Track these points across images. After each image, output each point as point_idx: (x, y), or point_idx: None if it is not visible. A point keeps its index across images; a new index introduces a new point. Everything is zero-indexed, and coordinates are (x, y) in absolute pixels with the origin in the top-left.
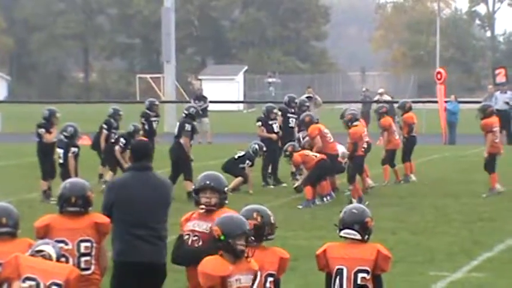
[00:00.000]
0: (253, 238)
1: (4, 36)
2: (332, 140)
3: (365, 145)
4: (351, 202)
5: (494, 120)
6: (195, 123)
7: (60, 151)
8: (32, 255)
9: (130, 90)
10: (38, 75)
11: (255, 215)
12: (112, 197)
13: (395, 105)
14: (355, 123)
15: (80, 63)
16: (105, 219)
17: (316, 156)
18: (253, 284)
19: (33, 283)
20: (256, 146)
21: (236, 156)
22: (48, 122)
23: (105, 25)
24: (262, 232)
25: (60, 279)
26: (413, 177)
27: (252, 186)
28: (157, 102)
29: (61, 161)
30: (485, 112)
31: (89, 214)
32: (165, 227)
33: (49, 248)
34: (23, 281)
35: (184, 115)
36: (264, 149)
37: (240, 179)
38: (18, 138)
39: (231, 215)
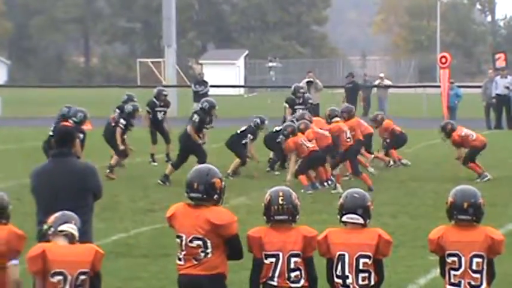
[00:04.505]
0: (264, 217)
1: (4, 20)
2: (327, 133)
3: (348, 134)
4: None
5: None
6: (208, 118)
7: None
8: (54, 234)
9: (131, 74)
10: (37, 60)
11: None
12: (31, 184)
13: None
14: (334, 119)
15: (81, 47)
16: None
17: (308, 147)
18: (276, 264)
19: (61, 278)
20: (258, 120)
21: (238, 131)
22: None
23: (105, 9)
24: (268, 212)
25: (86, 267)
26: (406, 161)
27: (256, 159)
28: (165, 92)
29: None
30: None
31: None
32: (83, 212)
33: (71, 227)
34: (51, 276)
35: (199, 107)
36: (266, 122)
37: (237, 161)
38: (18, 123)
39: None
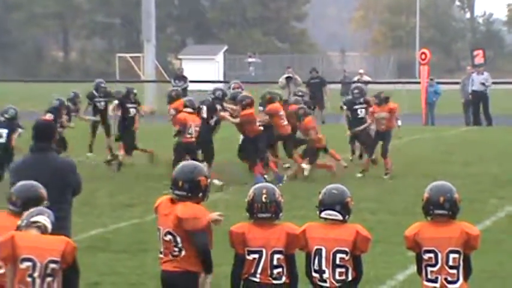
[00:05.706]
0: (247, 214)
1: None
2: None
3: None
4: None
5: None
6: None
7: (3, 131)
8: (27, 225)
9: (110, 69)
10: (16, 54)
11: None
12: (10, 179)
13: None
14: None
15: (60, 42)
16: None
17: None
18: (259, 261)
19: (30, 264)
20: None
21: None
22: (58, 112)
23: (84, 4)
24: (251, 208)
25: (56, 256)
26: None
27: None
28: (103, 85)
29: (2, 140)
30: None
31: None
32: (62, 208)
33: (44, 219)
34: (21, 262)
35: (211, 98)
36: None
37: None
38: None
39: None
